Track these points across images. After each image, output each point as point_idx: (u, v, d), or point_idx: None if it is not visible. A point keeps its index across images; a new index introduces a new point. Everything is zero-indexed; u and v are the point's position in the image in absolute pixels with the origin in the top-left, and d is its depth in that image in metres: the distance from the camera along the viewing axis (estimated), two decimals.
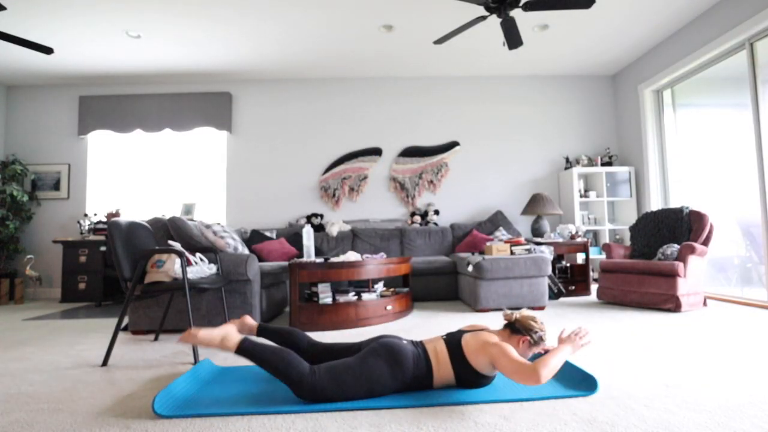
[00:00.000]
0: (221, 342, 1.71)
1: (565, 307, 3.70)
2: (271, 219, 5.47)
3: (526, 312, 1.77)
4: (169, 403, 1.56)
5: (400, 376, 1.62)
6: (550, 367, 1.48)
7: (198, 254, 2.79)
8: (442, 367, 1.67)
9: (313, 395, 1.55)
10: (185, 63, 5.03)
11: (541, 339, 1.72)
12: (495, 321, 3.15)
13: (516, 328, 1.73)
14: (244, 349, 1.65)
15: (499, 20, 3.75)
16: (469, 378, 1.67)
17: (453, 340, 1.72)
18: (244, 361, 2.21)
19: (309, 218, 5.29)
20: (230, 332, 1.75)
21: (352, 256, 3.28)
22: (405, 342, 1.73)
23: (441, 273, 4.23)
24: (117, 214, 5.15)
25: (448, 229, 5.09)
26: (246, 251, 3.34)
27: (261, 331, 1.95)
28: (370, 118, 5.60)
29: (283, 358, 1.59)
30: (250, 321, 1.99)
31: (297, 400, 1.60)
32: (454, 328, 2.89)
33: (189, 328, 1.71)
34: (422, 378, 1.66)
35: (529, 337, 1.70)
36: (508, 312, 1.79)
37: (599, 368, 1.95)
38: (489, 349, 1.61)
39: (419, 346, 1.74)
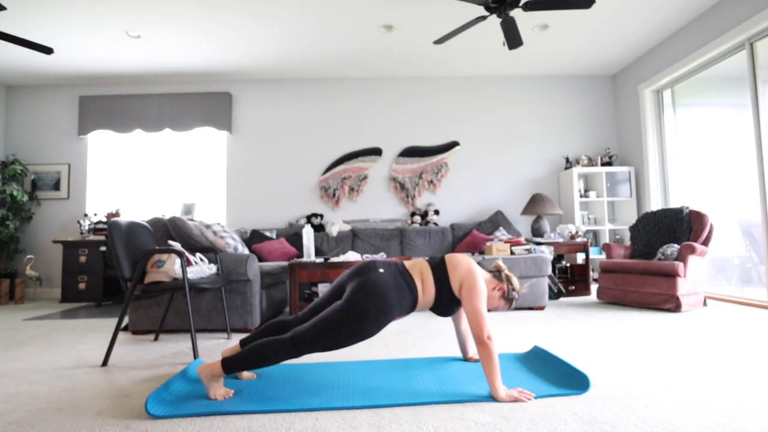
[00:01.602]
0: (213, 378, 1.63)
1: (565, 307, 3.70)
2: (271, 219, 5.47)
3: (512, 273, 1.90)
4: (162, 403, 1.56)
5: (386, 321, 1.67)
6: (495, 354, 1.59)
7: (198, 254, 2.79)
8: (427, 293, 1.76)
9: (308, 351, 1.60)
10: (185, 63, 5.03)
11: (513, 299, 1.85)
12: (495, 321, 3.15)
13: (500, 276, 1.86)
14: (226, 366, 1.60)
15: (499, 20, 3.76)
16: (444, 303, 1.77)
17: (437, 259, 1.82)
18: None
19: (309, 218, 5.29)
20: (211, 368, 1.64)
21: (352, 256, 3.28)
22: (388, 279, 1.70)
23: None
24: (117, 214, 5.15)
25: (448, 229, 5.09)
26: (246, 251, 3.34)
27: (243, 344, 1.85)
28: (370, 118, 5.60)
29: (261, 350, 1.58)
30: (229, 348, 1.86)
31: (296, 399, 1.60)
32: (453, 329, 2.89)
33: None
34: (406, 309, 1.74)
35: (505, 288, 1.83)
36: (501, 264, 1.91)
37: (599, 368, 1.95)
38: (469, 275, 1.71)
39: (405, 276, 1.76)
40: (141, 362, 2.24)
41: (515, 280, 1.87)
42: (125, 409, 1.57)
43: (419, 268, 1.80)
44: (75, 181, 5.46)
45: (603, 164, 5.42)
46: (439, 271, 1.77)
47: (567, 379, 1.74)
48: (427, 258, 1.86)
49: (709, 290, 4.30)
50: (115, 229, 2.31)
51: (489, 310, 1.80)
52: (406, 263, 1.84)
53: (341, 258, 3.22)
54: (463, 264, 1.76)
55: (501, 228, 4.97)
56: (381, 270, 1.73)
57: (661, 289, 3.41)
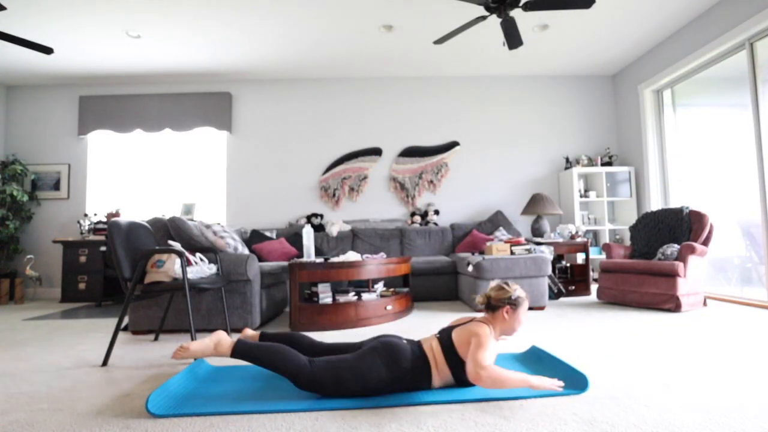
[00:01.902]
0: (215, 348, 1.75)
1: (565, 307, 3.70)
2: (271, 219, 5.47)
3: (493, 284, 1.82)
4: (163, 403, 1.56)
5: (397, 373, 1.62)
6: (497, 376, 1.48)
7: (198, 254, 2.79)
8: (440, 366, 1.68)
9: (311, 386, 1.59)
10: (185, 63, 5.03)
11: (519, 299, 1.76)
12: None
13: (493, 306, 1.77)
14: (239, 350, 1.69)
15: (499, 20, 3.76)
16: (464, 375, 1.67)
17: (445, 336, 1.73)
18: (240, 362, 2.21)
19: (309, 218, 5.29)
20: (222, 338, 1.79)
21: (352, 256, 3.27)
22: (404, 341, 1.74)
23: (441, 273, 4.23)
24: (117, 214, 5.15)
25: (448, 229, 5.09)
26: (246, 251, 3.34)
27: (262, 338, 1.98)
28: (370, 118, 5.60)
29: (279, 353, 1.64)
30: (251, 332, 2.03)
31: (296, 399, 1.60)
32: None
33: (181, 344, 1.81)
34: (420, 377, 1.66)
35: (508, 305, 1.74)
36: (478, 297, 1.82)
37: (599, 368, 1.95)
38: (472, 339, 1.63)
39: (416, 345, 1.74)
40: (141, 362, 2.24)
41: (499, 290, 1.77)
42: (125, 409, 1.57)
43: (429, 345, 1.72)
44: (75, 181, 5.46)
45: (603, 164, 5.42)
46: (450, 352, 1.67)
47: (565, 379, 1.74)
48: (437, 334, 1.78)
49: (709, 290, 4.30)
50: (115, 229, 2.31)
51: (512, 334, 1.78)
52: (421, 340, 1.79)
53: (341, 258, 3.22)
54: (466, 339, 1.66)
55: (501, 228, 4.97)
56: (404, 339, 1.76)
57: (661, 289, 3.41)
